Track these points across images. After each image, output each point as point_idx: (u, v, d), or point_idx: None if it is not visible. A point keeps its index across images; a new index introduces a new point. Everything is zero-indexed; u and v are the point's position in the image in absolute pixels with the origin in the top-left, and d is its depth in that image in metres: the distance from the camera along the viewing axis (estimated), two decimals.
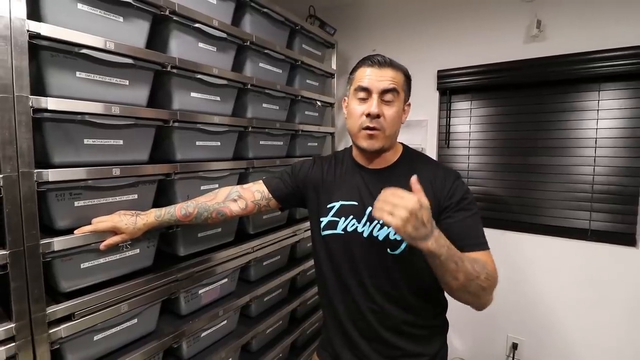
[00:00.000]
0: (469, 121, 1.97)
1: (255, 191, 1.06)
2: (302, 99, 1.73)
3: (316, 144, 1.91)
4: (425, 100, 2.06)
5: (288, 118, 1.69)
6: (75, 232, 0.86)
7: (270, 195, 1.06)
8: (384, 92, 0.84)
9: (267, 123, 1.50)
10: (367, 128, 0.84)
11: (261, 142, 1.51)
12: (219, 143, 1.29)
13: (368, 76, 0.85)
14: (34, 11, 0.82)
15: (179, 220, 0.99)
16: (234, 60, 1.36)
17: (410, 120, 2.09)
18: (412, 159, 0.94)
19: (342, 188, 0.94)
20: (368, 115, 0.83)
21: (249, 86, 1.39)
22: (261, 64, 1.49)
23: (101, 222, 0.89)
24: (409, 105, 0.92)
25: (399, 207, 0.62)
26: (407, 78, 0.90)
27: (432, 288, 0.88)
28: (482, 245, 0.81)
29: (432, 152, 2.07)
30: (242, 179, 1.41)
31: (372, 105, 0.83)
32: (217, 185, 1.27)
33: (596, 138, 1.69)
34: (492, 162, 1.93)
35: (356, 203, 0.90)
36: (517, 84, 1.82)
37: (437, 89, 2.01)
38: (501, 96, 1.89)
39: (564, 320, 1.79)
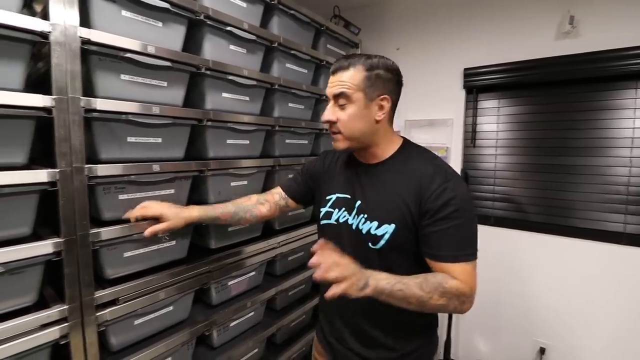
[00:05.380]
0: (496, 120, 1.94)
1: (275, 194, 1.14)
2: (326, 99, 1.75)
3: None
4: (450, 99, 2.04)
5: (313, 117, 1.73)
6: (126, 215, 0.93)
7: (286, 195, 1.13)
8: (335, 97, 0.86)
9: (293, 122, 1.54)
10: (332, 133, 0.89)
11: (287, 141, 1.55)
12: (247, 141, 1.34)
13: (329, 84, 0.89)
14: (84, 19, 0.89)
15: (218, 218, 1.04)
16: (262, 61, 1.40)
17: (435, 119, 2.08)
18: (407, 154, 0.91)
19: (339, 181, 0.98)
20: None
21: (276, 86, 1.43)
22: (288, 65, 1.53)
23: (150, 208, 0.94)
24: (385, 98, 0.85)
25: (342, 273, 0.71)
26: (373, 72, 0.83)
27: None
28: (458, 258, 0.78)
29: (457, 152, 2.04)
30: (269, 177, 1.46)
31: (325, 113, 0.88)
32: (245, 182, 1.32)
33: (633, 138, 1.62)
34: (521, 162, 1.89)
35: (349, 196, 0.94)
36: (548, 82, 1.76)
37: (464, 87, 1.98)
38: (531, 94, 1.85)
39: (595, 326, 1.73)
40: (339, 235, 0.93)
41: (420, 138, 2.12)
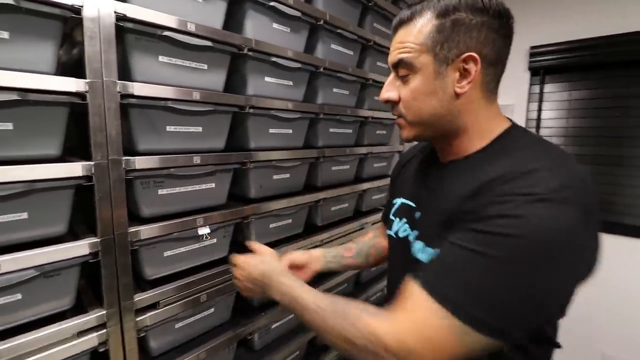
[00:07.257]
0: (567, 106, 1.69)
1: (380, 227, 0.98)
2: (372, 83, 1.60)
3: (385, 132, 1.78)
4: (511, 82, 1.81)
5: (357, 104, 1.58)
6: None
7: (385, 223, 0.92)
8: (394, 67, 0.61)
9: (338, 109, 1.41)
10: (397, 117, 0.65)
11: (331, 130, 1.42)
12: (290, 131, 1.23)
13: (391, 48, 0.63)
14: None
15: (343, 256, 0.93)
16: (306, 41, 1.27)
17: None
18: (504, 147, 0.58)
19: (409, 183, 0.76)
20: None
21: (320, 69, 1.30)
22: (333, 46, 1.38)
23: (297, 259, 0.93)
24: (470, 57, 0.55)
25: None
26: (448, 18, 0.55)
27: None
28: (420, 280, 0.51)
29: None
30: (312, 169, 1.34)
31: (383, 90, 0.64)
32: (288, 175, 1.22)
33: None
34: (595, 154, 1.64)
35: (413, 204, 0.70)
36: (636, 61, 1.50)
37: (529, 69, 1.75)
38: (611, 75, 1.59)
39: None
40: (396, 255, 0.73)
41: None
